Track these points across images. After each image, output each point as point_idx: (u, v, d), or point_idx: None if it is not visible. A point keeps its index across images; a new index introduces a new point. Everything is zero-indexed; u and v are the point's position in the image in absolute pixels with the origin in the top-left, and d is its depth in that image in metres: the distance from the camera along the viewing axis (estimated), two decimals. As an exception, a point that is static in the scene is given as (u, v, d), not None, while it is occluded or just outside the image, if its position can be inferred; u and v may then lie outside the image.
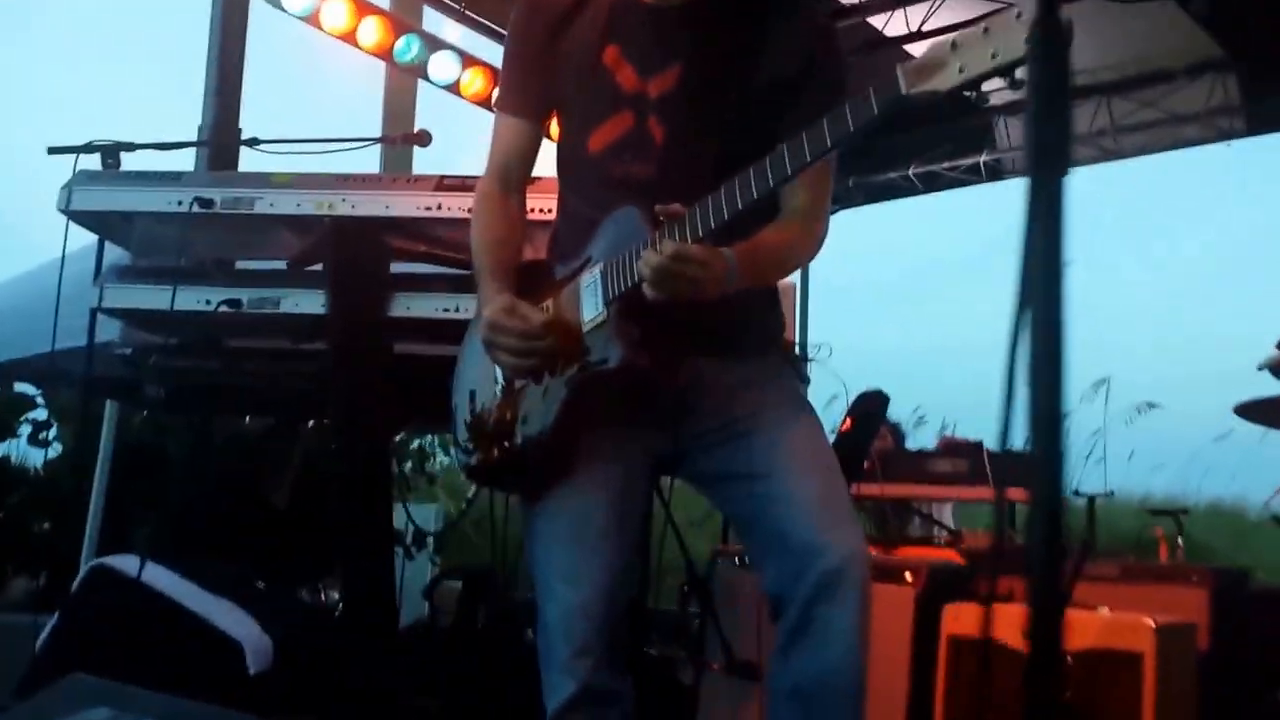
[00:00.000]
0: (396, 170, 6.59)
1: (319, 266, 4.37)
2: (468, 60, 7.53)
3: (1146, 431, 13.11)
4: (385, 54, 7.20)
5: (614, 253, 2.42)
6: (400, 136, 4.98)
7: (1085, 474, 8.87)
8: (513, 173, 2.74)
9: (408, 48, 7.29)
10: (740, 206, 2.23)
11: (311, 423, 5.97)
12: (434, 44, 7.39)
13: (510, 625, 5.99)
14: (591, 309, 2.44)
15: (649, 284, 2.28)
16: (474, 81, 7.56)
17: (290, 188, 4.24)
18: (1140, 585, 4.37)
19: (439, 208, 4.18)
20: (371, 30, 7.11)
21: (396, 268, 4.38)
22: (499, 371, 2.58)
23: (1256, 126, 9.07)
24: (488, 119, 7.73)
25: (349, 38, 7.02)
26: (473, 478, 2.82)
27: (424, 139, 5.08)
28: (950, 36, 1.95)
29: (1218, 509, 14.73)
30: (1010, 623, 3.90)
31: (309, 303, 4.27)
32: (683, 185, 2.36)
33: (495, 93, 2.88)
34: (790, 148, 2.17)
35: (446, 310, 4.24)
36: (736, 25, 2.53)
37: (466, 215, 4.13)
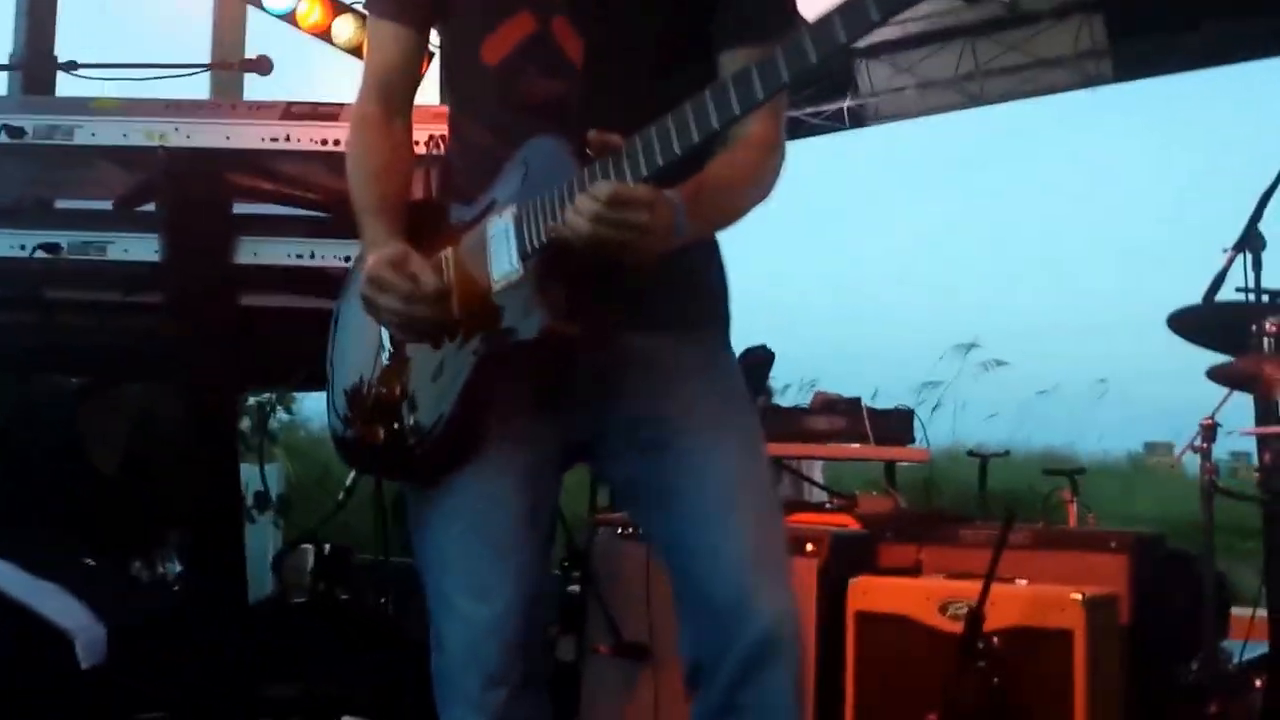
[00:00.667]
0: (226, 104, 6.05)
1: (151, 207, 3.88)
2: (303, -13, 6.98)
3: (989, 385, 13.35)
4: (214, -24, 6.63)
5: (531, 194, 1.99)
6: (238, 63, 4.46)
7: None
8: (395, 90, 2.30)
9: (241, -29, 6.72)
10: (696, 139, 1.82)
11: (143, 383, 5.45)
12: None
13: (371, 599, 5.62)
14: (504, 264, 2.02)
15: (582, 236, 1.86)
16: (312, 11, 7.02)
17: (115, 115, 3.73)
18: (1057, 553, 4.13)
19: (287, 139, 3.73)
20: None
21: (239, 209, 3.92)
22: (385, 335, 2.17)
23: (1123, 72, 9.02)
24: (325, 54, 7.26)
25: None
26: (349, 458, 2.39)
27: (264, 66, 4.55)
28: None
29: (1051, 457, 15.27)
30: (922, 597, 3.79)
31: (141, 249, 3.78)
32: (606, 106, 2.00)
33: None
34: (760, 67, 1.77)
35: (300, 257, 3.80)
36: None
37: (318, 148, 3.78)
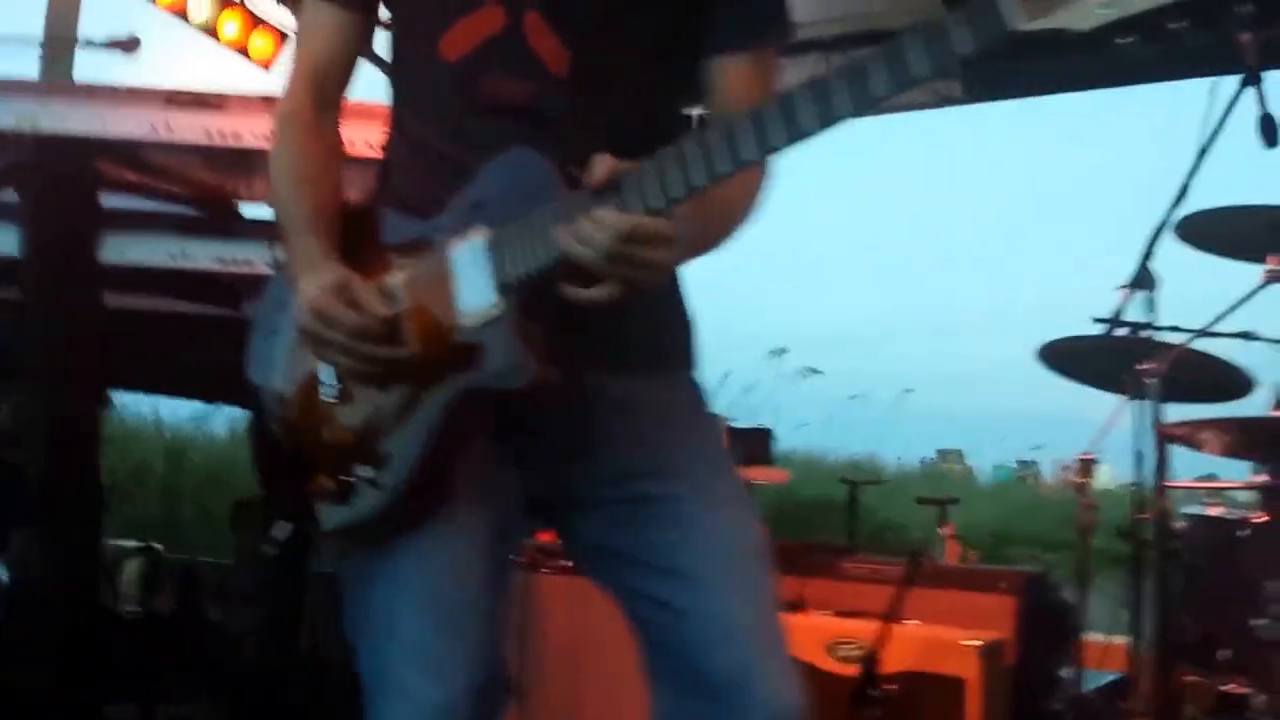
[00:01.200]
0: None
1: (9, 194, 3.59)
2: (160, -40, 6.60)
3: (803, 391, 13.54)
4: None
5: (508, 214, 1.71)
6: (107, 42, 4.15)
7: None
8: (329, 82, 1.99)
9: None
10: (729, 169, 1.57)
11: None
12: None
13: (209, 609, 5.34)
14: (477, 297, 1.72)
15: (592, 269, 1.61)
16: (168, -15, 6.64)
17: (-20, 94, 3.44)
18: (943, 591, 3.98)
19: (169, 128, 3.48)
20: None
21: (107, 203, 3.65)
22: (324, 371, 1.86)
23: (975, 93, 9.16)
24: (168, 31, 6.87)
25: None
26: (280, 510, 2.03)
27: (132, 46, 4.28)
28: None
29: (857, 466, 15.69)
30: (808, 637, 3.63)
31: (-2, 240, 3.49)
32: (584, 111, 1.81)
33: None
34: (845, 80, 1.48)
35: (173, 257, 3.57)
36: None
37: (202, 140, 3.54)
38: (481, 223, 1.73)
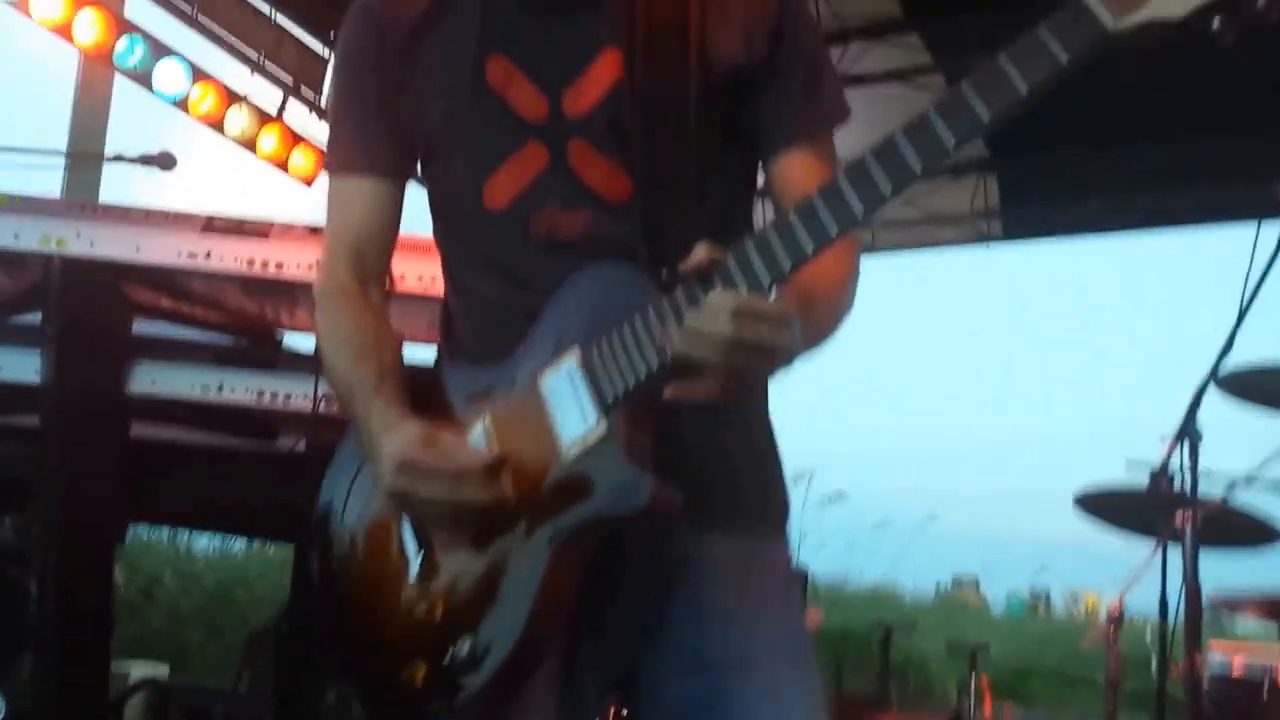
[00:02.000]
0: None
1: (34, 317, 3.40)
2: (198, 74, 6.51)
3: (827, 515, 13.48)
4: (104, 55, 6.12)
5: (594, 331, 1.63)
6: (140, 157, 4.01)
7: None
8: (368, 255, 1.94)
9: (130, 50, 6.22)
10: (834, 234, 1.49)
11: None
12: (160, 50, 6.34)
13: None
14: (576, 422, 1.62)
15: (713, 364, 1.49)
16: (205, 98, 6.56)
17: (5, 212, 3.25)
18: None
19: (207, 255, 3.28)
20: (89, 25, 6.01)
21: (138, 328, 3.46)
22: (409, 534, 1.75)
23: (1013, 231, 9.08)
24: (199, 142, 6.77)
25: (63, 31, 5.90)
26: (371, 711, 1.88)
27: (168, 162, 4.14)
28: None
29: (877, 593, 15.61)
30: None
31: (18, 366, 3.28)
32: (650, 231, 1.73)
33: (327, 149, 1.98)
34: (920, 130, 1.45)
35: (206, 389, 3.34)
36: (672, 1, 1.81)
37: (243, 269, 3.35)
38: (570, 346, 1.66)
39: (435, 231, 1.98)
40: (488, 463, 1.66)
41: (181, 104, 6.42)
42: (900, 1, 6.67)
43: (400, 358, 1.88)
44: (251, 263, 3.29)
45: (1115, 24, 1.36)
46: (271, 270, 3.30)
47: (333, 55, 1.81)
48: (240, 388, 3.36)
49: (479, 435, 1.72)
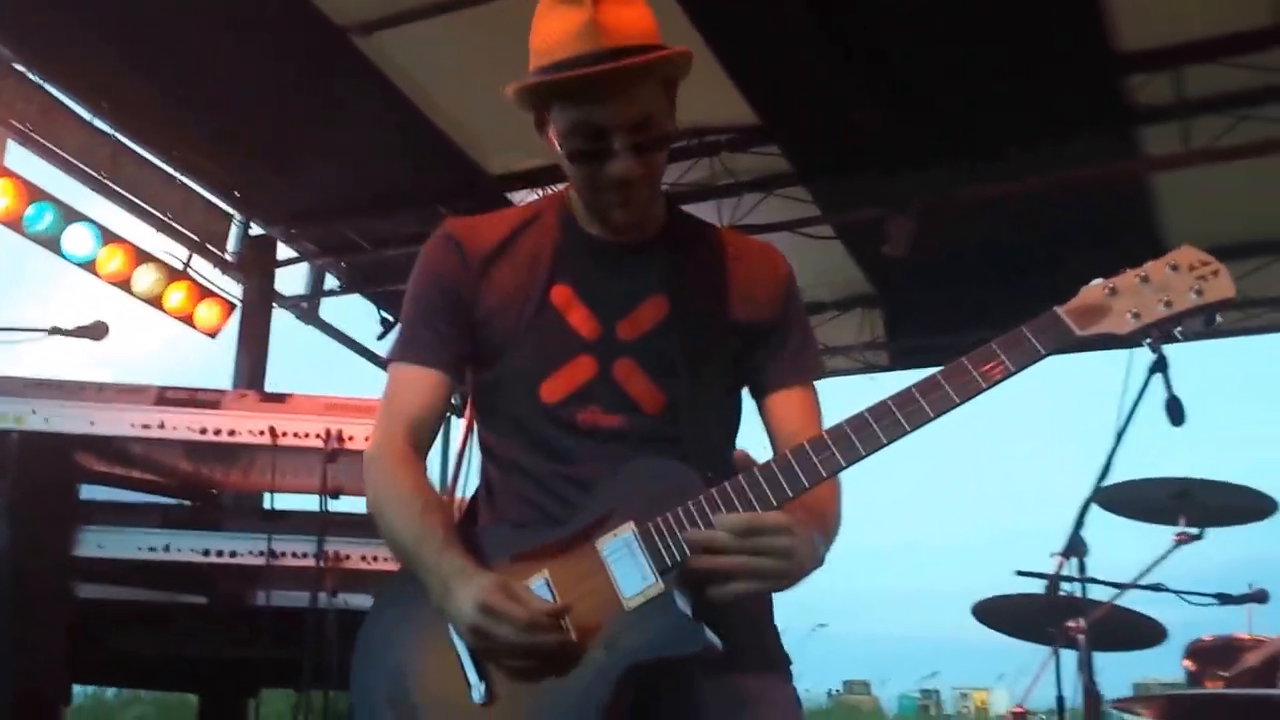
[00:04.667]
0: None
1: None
2: (108, 235, 6.63)
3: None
4: (14, 222, 6.21)
5: (651, 508, 1.93)
6: (74, 329, 4.13)
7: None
8: (422, 431, 2.18)
9: (39, 217, 6.33)
10: (843, 464, 1.90)
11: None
12: (71, 215, 6.45)
13: None
14: (636, 580, 1.91)
15: (732, 563, 1.85)
16: (113, 259, 6.67)
17: (-41, 392, 3.38)
18: None
19: (160, 425, 3.45)
20: None
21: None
22: (473, 672, 1.95)
23: (898, 361, 9.45)
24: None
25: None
26: None
27: (100, 331, 4.26)
28: (1100, 282, 1.90)
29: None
30: None
31: (-34, 536, 3.39)
32: (674, 433, 2.08)
33: (397, 338, 2.23)
34: (927, 393, 1.88)
35: (153, 550, 3.48)
36: (708, 263, 2.23)
37: (197, 437, 3.51)
38: (626, 519, 1.95)
39: (483, 421, 2.25)
40: (556, 609, 1.89)
41: (89, 266, 6.54)
42: (788, 159, 7.08)
43: (452, 518, 2.14)
44: (205, 430, 3.46)
45: (1080, 331, 1.85)
46: (225, 436, 3.47)
47: (415, 263, 2.10)
48: (186, 548, 3.51)
49: (540, 585, 1.96)
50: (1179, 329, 1.88)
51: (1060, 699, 4.26)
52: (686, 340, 2.14)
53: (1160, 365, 3.24)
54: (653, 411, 2.11)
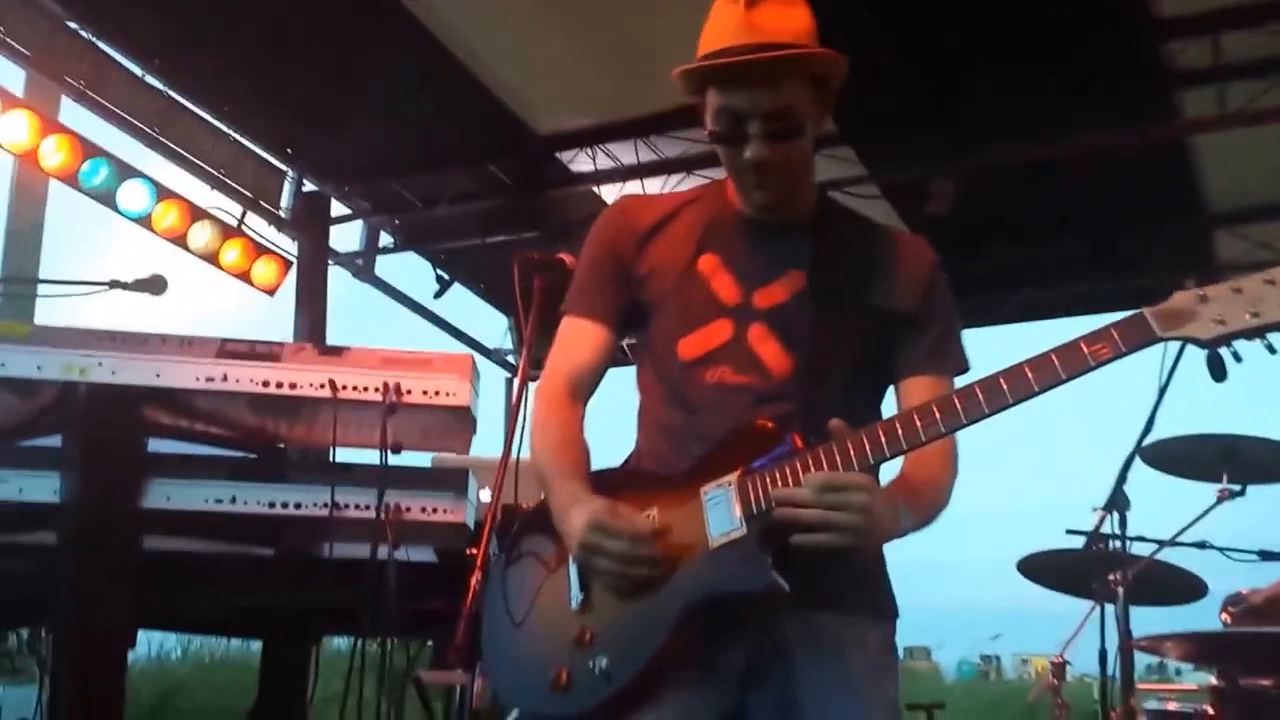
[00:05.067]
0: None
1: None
2: (162, 192, 6.69)
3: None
4: (69, 177, 6.27)
5: (754, 467, 2.15)
6: (133, 281, 4.17)
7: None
8: (583, 383, 2.45)
9: (94, 172, 6.38)
10: (923, 438, 2.06)
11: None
12: (126, 170, 6.51)
13: None
14: (724, 523, 2.14)
15: (810, 514, 2.03)
16: (168, 215, 6.72)
17: (27, 344, 3.43)
18: None
19: (224, 379, 3.49)
20: (54, 150, 6.17)
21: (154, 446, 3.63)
22: (576, 583, 2.25)
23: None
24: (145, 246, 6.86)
25: (29, 156, 6.06)
26: (517, 699, 2.34)
27: (159, 286, 4.31)
28: (1196, 290, 1.97)
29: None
30: None
31: (37, 488, 3.44)
32: (787, 398, 2.25)
33: (569, 295, 2.52)
34: (1009, 378, 2.01)
35: (220, 502, 3.52)
36: (853, 248, 2.39)
37: (258, 389, 3.56)
38: (731, 471, 2.17)
39: (638, 378, 2.48)
40: (655, 529, 2.16)
41: (145, 221, 6.60)
42: (834, 120, 7.08)
43: (589, 460, 2.37)
44: (266, 383, 3.51)
45: (1162, 333, 1.95)
46: (286, 389, 3.51)
47: (589, 230, 2.26)
48: (253, 499, 3.55)
49: (650, 516, 2.21)
50: (1265, 340, 1.93)
51: (1103, 651, 4.43)
52: (818, 313, 2.29)
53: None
54: (779, 374, 2.27)
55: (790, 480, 2.08)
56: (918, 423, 2.06)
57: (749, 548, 2.10)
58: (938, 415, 2.05)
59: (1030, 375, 1.99)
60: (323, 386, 3.52)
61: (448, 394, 3.64)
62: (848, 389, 2.29)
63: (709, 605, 2.12)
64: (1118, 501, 4.44)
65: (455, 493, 3.70)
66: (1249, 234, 8.22)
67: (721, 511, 2.15)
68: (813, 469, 2.07)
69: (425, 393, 3.60)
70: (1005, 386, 2.00)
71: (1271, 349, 1.93)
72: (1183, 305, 1.96)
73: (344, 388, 3.52)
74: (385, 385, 3.50)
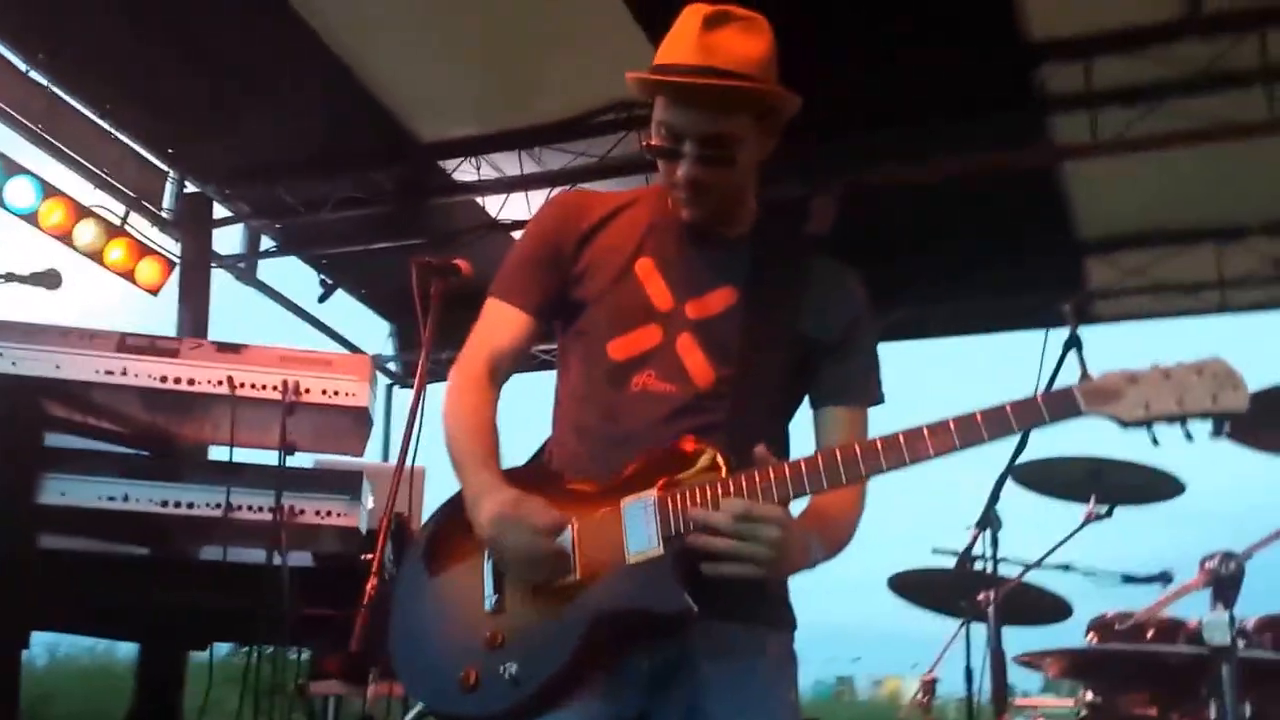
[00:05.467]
0: None
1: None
2: (49, 189, 6.65)
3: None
4: (-50, 174, 6.22)
5: (673, 487, 2.15)
6: (29, 275, 4.19)
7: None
8: (502, 368, 2.43)
9: (-23, 171, 6.33)
10: (844, 481, 2.10)
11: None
12: (12, 167, 6.46)
13: None
14: (641, 541, 2.15)
15: (723, 544, 2.05)
16: (53, 212, 6.68)
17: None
18: None
19: (123, 372, 3.56)
20: (-63, 145, 6.13)
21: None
22: (490, 582, 2.23)
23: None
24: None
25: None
26: (431, 701, 2.36)
27: (54, 280, 4.33)
28: (1125, 370, 2.00)
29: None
30: None
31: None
32: (707, 411, 2.27)
33: (497, 278, 2.51)
34: (934, 432, 2.05)
35: (113, 499, 3.56)
36: (787, 271, 2.42)
37: (157, 384, 3.61)
38: (650, 488, 2.17)
39: (559, 377, 2.48)
40: (559, 522, 2.15)
41: (31, 218, 6.56)
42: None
43: (498, 443, 2.35)
44: (165, 379, 3.57)
45: (1087, 408, 2.00)
46: (184, 385, 3.57)
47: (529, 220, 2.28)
48: (145, 498, 3.59)
49: (560, 520, 2.18)
50: (1184, 427, 1.98)
51: (969, 669, 4.49)
52: (746, 330, 2.32)
53: (1075, 343, 3.42)
54: (702, 386, 2.29)
55: (709, 503, 2.10)
56: (839, 463, 2.09)
57: (664, 570, 2.11)
58: (859, 459, 2.08)
59: (954, 431, 2.03)
60: (221, 383, 3.56)
61: (347, 394, 3.68)
62: (768, 409, 2.32)
63: (619, 620, 2.13)
64: (989, 520, 4.47)
65: (350, 496, 3.72)
66: (1119, 262, 8.44)
67: (639, 527, 2.15)
68: (733, 494, 2.09)
69: (325, 392, 3.65)
70: (929, 439, 2.04)
71: (1189, 436, 1.98)
72: (1110, 385, 2.00)
73: (242, 385, 3.56)
74: (285, 384, 3.55)
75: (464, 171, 7.65)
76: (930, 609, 5.00)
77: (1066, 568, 4.63)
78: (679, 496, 2.13)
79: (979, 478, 4.42)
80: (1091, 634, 4.75)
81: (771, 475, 2.10)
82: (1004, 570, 4.46)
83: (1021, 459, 4.37)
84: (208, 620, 4.06)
